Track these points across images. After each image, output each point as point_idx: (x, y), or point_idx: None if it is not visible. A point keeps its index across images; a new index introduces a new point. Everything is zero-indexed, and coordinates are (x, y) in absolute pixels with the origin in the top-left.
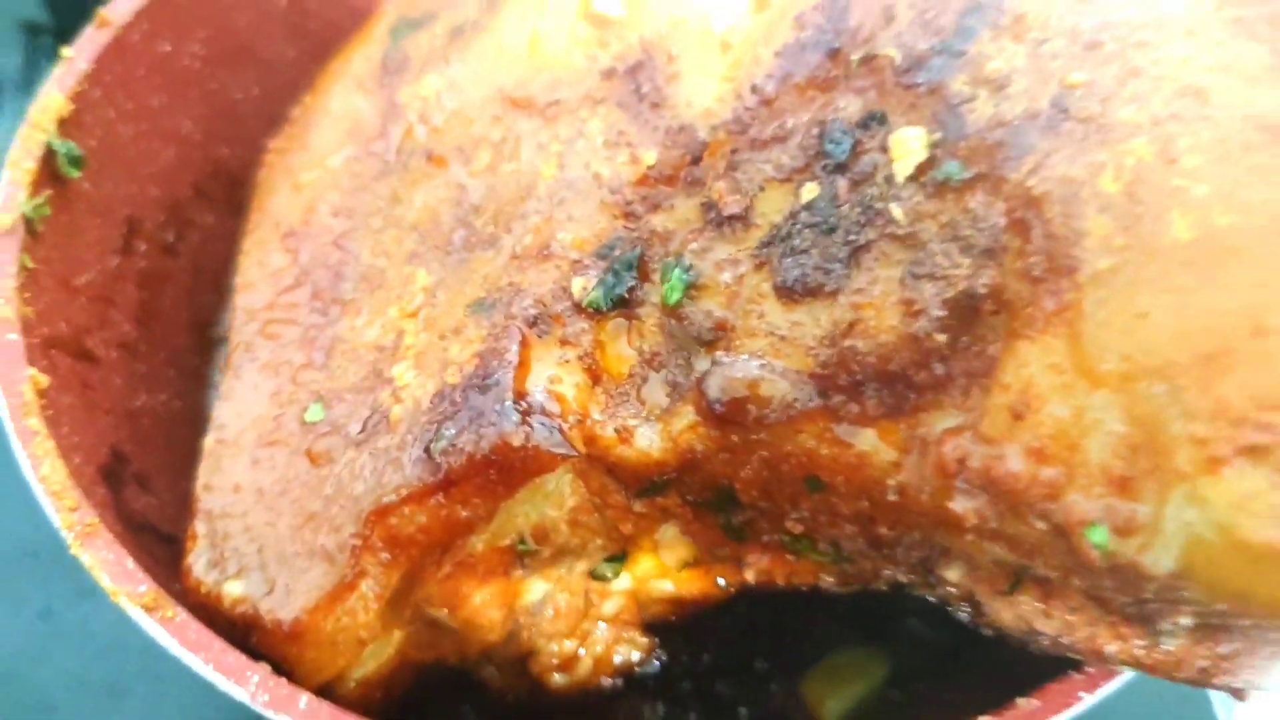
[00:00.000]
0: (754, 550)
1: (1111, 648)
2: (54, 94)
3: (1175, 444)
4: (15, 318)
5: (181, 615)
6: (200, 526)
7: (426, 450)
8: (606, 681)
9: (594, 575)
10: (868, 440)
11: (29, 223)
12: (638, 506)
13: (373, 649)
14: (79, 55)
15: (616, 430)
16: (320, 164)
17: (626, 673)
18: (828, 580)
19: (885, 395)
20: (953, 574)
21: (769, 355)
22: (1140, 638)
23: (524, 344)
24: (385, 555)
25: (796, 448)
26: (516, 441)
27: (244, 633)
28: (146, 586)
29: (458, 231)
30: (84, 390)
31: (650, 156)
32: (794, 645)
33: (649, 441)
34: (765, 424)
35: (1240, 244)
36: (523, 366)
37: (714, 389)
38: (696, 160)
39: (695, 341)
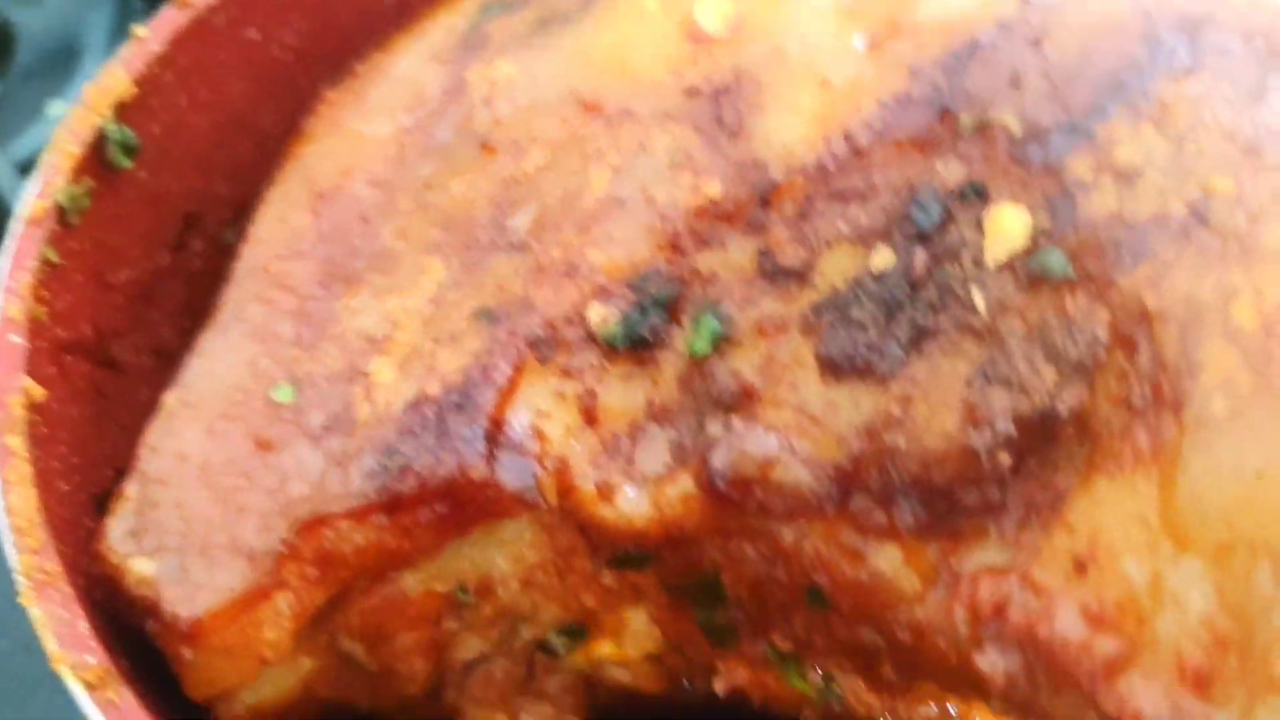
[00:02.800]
0: (731, 659)
1: None
2: (117, 74)
3: (1276, 646)
4: (24, 319)
5: (127, 700)
6: (132, 488)
7: (380, 464)
8: None
9: (542, 646)
10: (888, 559)
11: (62, 213)
12: (607, 579)
13: (275, 673)
14: (153, 36)
15: (598, 485)
16: (371, 127)
17: None
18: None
19: (920, 510)
20: None
21: (793, 435)
22: None
23: (518, 367)
24: (311, 570)
25: (801, 549)
26: (477, 475)
27: (141, 617)
28: (97, 660)
29: (488, 231)
30: (98, 400)
31: (714, 188)
32: None
33: (633, 506)
34: (770, 513)
35: None
36: (510, 391)
37: (720, 460)
38: (765, 202)
39: (714, 404)
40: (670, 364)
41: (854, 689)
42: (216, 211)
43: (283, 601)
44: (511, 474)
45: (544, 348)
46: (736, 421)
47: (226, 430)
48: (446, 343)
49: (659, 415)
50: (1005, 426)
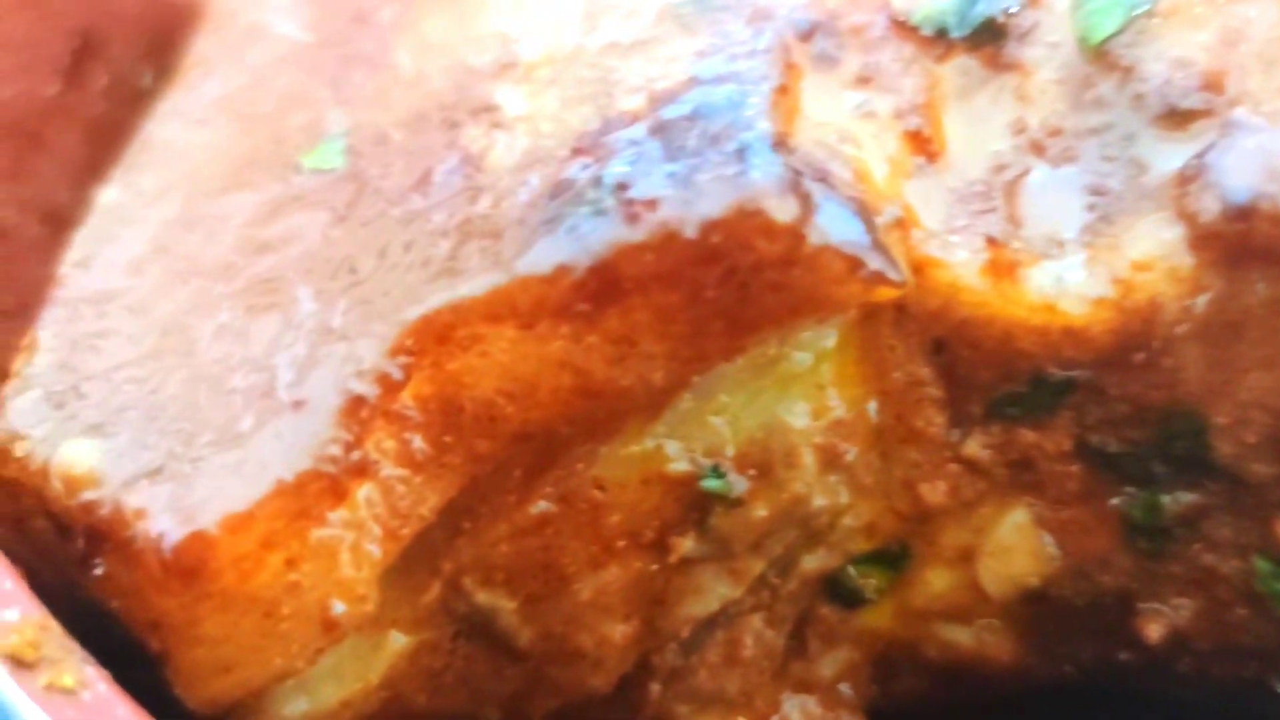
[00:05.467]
0: (1172, 584)
1: None
2: None
3: None
4: None
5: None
6: (46, 331)
7: (568, 209)
8: None
9: (833, 585)
10: None
11: None
12: (973, 446)
13: (341, 658)
14: None
15: (995, 253)
16: None
17: None
18: None
19: None
20: None
21: None
22: None
23: (789, 67)
24: (421, 443)
25: None
26: (782, 215)
27: (81, 549)
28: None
29: None
30: None
31: None
32: None
33: (1062, 283)
34: None
35: None
36: (786, 93)
37: (1237, 176)
38: None
39: (1148, 114)
40: (1044, 62)
41: None
42: (122, 35)
43: (367, 504)
44: (837, 222)
45: (821, 39)
46: (1242, 115)
47: (221, 214)
48: (627, 51)
49: (1042, 145)
50: None
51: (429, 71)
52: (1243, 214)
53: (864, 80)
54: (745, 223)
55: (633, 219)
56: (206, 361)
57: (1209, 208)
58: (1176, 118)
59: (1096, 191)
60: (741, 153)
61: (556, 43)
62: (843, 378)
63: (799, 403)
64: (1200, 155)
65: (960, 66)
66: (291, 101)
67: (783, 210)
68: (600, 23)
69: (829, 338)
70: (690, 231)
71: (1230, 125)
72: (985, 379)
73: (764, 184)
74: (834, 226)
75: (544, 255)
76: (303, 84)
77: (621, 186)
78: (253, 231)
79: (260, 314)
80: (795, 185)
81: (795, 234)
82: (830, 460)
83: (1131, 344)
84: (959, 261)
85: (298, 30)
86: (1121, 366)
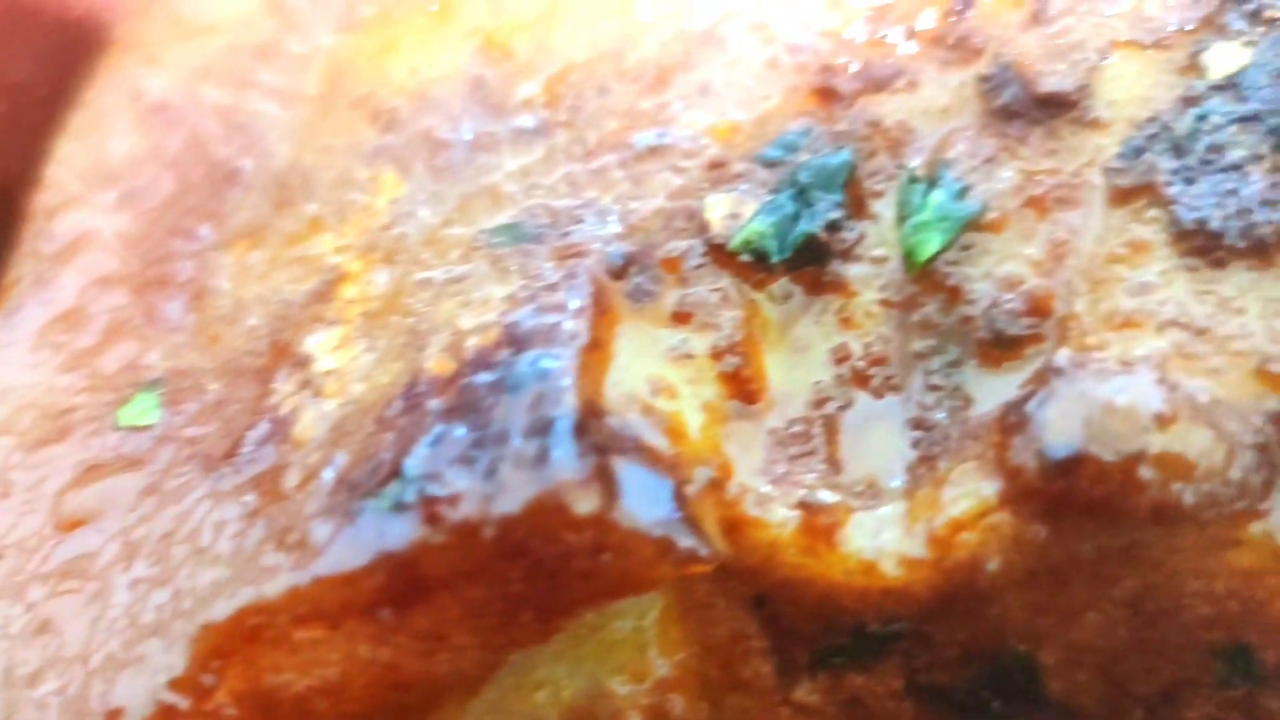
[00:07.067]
0: None
1: None
2: None
3: None
4: None
5: None
6: None
7: (364, 507)
8: None
9: None
10: None
11: None
12: (804, 692)
13: None
14: None
15: (806, 515)
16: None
17: None
18: None
19: None
20: None
21: (1174, 368)
22: None
23: (602, 307)
24: None
25: (1217, 573)
26: (583, 506)
27: None
28: None
29: (469, 111)
30: None
31: None
32: None
33: (879, 544)
34: (1169, 518)
35: None
36: (597, 349)
37: (1058, 432)
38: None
39: (972, 340)
40: (870, 281)
41: None
42: None
43: None
44: (644, 503)
45: (635, 273)
46: (1064, 355)
47: (36, 483)
48: (443, 289)
49: (865, 375)
50: None
51: (245, 301)
52: (1063, 471)
53: (681, 317)
54: (547, 518)
55: (432, 519)
56: (20, 657)
57: (1029, 464)
58: (1003, 344)
59: (921, 426)
60: (544, 439)
61: (369, 277)
62: (664, 638)
63: (621, 668)
64: (1022, 403)
65: (781, 291)
66: (111, 334)
67: (584, 502)
68: (413, 250)
69: (648, 601)
70: (490, 530)
71: (1053, 370)
72: (808, 631)
73: (564, 477)
74: (641, 508)
75: (344, 554)
76: (123, 312)
77: (424, 478)
78: (67, 499)
79: (70, 601)
80: (599, 472)
81: (600, 523)
82: (658, 717)
83: (953, 598)
84: (776, 522)
85: (118, 240)
86: (945, 616)
